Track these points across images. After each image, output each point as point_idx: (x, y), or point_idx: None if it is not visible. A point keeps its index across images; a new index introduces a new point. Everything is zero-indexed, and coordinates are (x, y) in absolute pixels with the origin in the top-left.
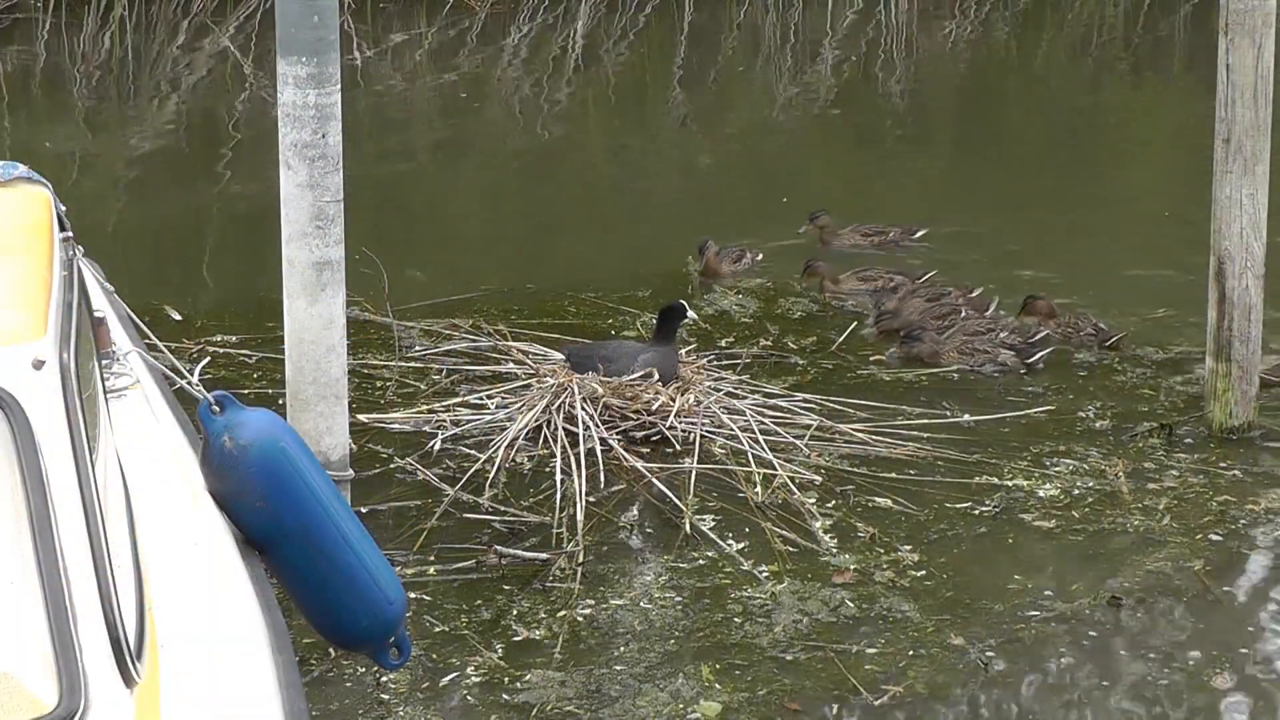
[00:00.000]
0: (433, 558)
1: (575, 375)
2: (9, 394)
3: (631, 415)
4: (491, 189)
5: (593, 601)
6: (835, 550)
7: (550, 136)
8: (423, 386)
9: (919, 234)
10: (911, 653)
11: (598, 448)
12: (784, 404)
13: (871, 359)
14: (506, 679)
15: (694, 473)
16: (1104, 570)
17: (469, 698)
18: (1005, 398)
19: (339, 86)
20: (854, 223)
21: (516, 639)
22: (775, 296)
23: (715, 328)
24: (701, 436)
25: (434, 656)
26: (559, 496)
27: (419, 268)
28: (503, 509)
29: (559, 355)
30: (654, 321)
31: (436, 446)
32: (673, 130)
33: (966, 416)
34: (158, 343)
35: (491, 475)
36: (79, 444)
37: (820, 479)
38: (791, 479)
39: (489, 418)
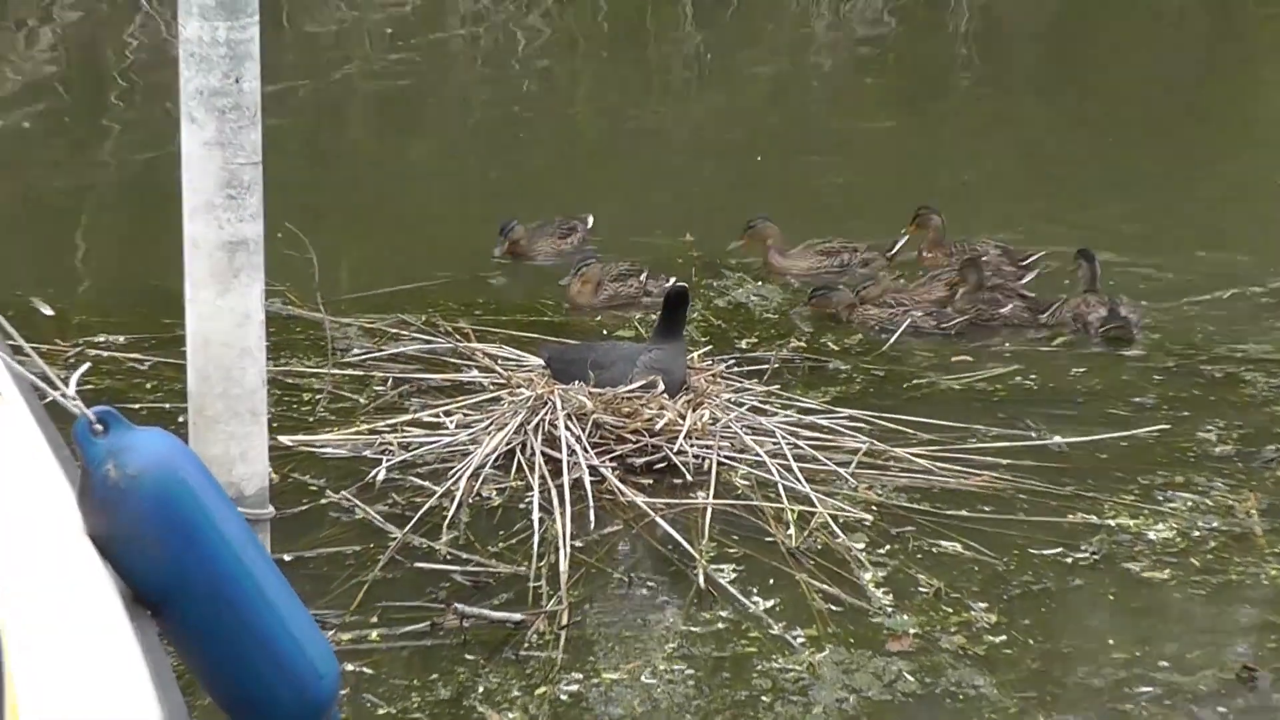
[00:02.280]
0: (375, 619)
1: (557, 385)
2: None
3: (629, 436)
4: (451, 149)
5: (580, 675)
6: (890, 609)
7: (526, 82)
8: (362, 400)
9: (894, 249)
10: None
11: (586, 478)
12: (823, 422)
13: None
14: None
15: (709, 510)
16: (1233, 634)
17: None
18: (1104, 411)
19: (257, 18)
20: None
21: None
22: (805, 284)
23: (732, 324)
24: (718, 464)
25: None
26: (537, 540)
27: (357, 248)
28: (465, 556)
29: (536, 360)
30: (652, 318)
31: (380, 477)
32: (682, 76)
33: (1057, 438)
34: (23, 344)
35: (450, 513)
36: None
37: (871, 518)
38: (834, 518)
39: (447, 440)
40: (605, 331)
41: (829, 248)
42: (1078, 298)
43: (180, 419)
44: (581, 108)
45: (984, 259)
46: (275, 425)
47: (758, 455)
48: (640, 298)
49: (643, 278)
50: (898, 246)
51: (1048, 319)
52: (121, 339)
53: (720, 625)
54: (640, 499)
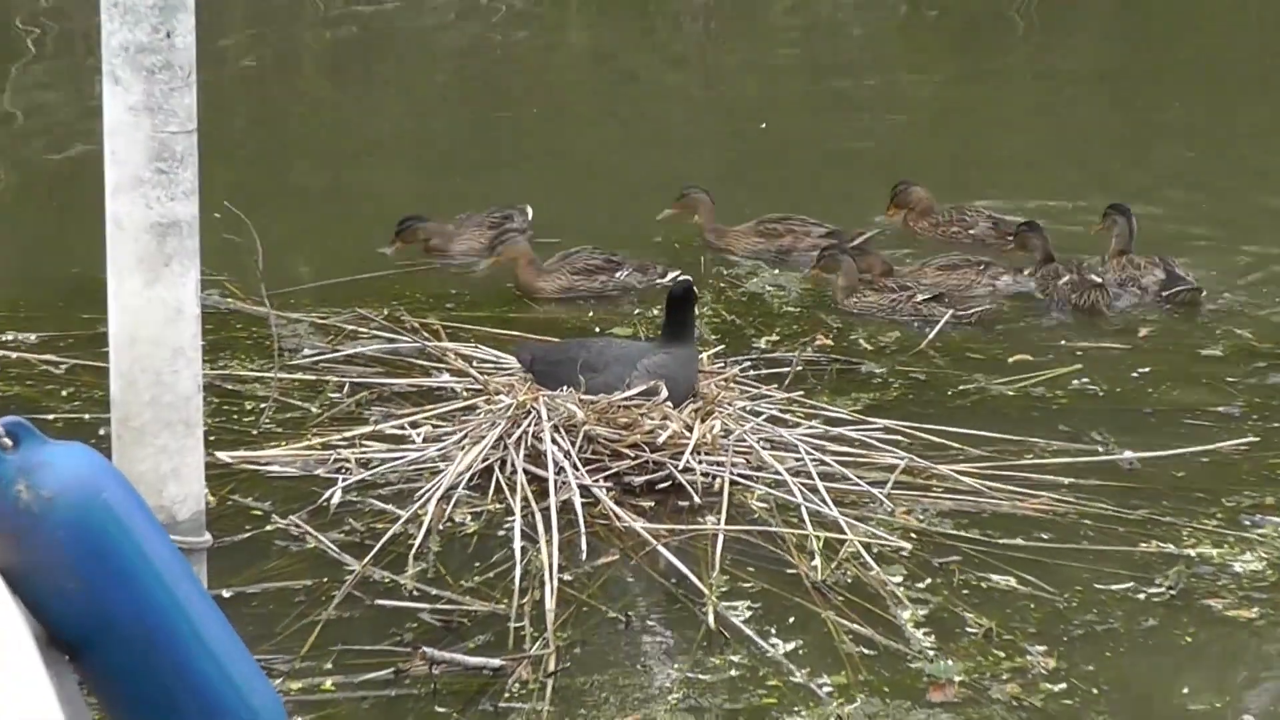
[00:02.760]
0: (330, 665)
1: (542, 391)
2: None
3: (627, 451)
4: (416, 115)
5: None
6: (932, 653)
7: (503, 37)
8: (314, 409)
9: (862, 238)
10: None
11: (577, 499)
12: (854, 434)
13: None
14: None
15: (720, 537)
16: None
17: None
18: (1182, 421)
19: None
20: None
21: None
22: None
23: (748, 320)
24: (731, 483)
25: None
26: (519, 573)
27: (309, 232)
28: (435, 592)
29: (517, 362)
30: (653, 313)
31: (335, 499)
32: (686, 35)
33: (1128, 453)
34: None
35: (418, 542)
36: None
37: (910, 547)
38: (867, 547)
39: (414, 456)
40: (597, 329)
41: (771, 228)
42: (1117, 259)
43: (102, 431)
44: (570, 63)
45: (972, 231)
46: (213, 439)
47: (777, 473)
48: (606, 292)
49: (620, 274)
50: (864, 238)
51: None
52: (33, 337)
53: (733, 672)
54: (640, 524)
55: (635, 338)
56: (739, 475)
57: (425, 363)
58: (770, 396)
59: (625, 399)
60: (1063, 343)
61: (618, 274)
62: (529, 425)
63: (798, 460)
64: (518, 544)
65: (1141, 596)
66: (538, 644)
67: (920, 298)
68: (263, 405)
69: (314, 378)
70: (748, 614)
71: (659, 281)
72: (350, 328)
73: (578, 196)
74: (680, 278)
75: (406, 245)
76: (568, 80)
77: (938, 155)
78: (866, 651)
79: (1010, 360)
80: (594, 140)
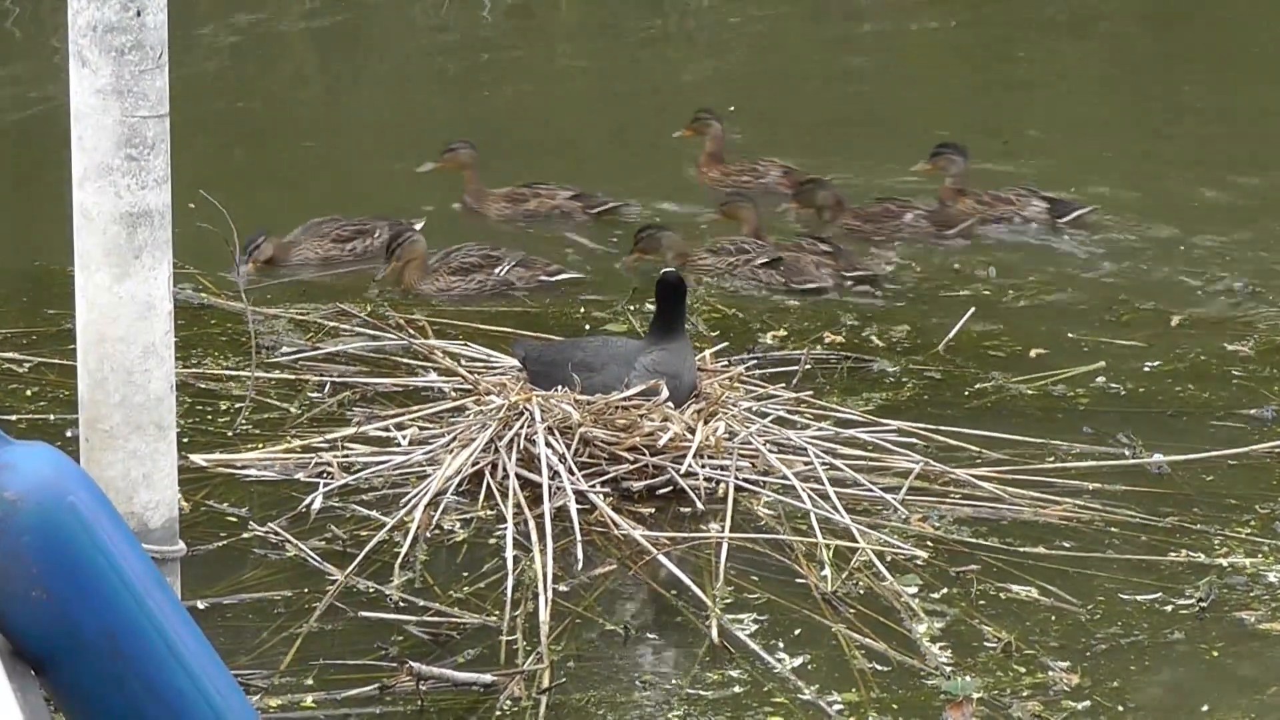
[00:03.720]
0: (311, 680)
1: (536, 391)
2: None
3: (625, 455)
4: (398, 95)
5: None
6: (949, 669)
7: (490, 11)
8: (294, 409)
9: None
10: None
11: (572, 506)
12: (866, 436)
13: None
14: None
15: (725, 546)
16: None
17: None
18: (1213, 424)
19: None
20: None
21: None
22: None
23: (752, 314)
24: (736, 489)
25: None
26: (511, 584)
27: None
28: (422, 604)
29: (510, 360)
30: (648, 307)
31: (316, 505)
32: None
33: (1157, 456)
34: None
35: (404, 551)
36: None
37: (925, 556)
38: (880, 556)
39: (399, 460)
40: (588, 326)
41: (519, 193)
42: (957, 195)
43: (69, 433)
44: (563, 45)
45: (763, 180)
46: (186, 441)
47: (785, 478)
48: (485, 292)
49: (500, 270)
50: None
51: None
52: None
53: (738, 688)
54: (639, 532)
55: (632, 335)
56: (744, 480)
57: (411, 361)
58: (777, 396)
59: (624, 399)
60: (1070, 336)
61: (496, 270)
62: (522, 427)
63: (807, 464)
64: (510, 553)
65: (1169, 609)
66: (531, 659)
67: (759, 262)
68: (239, 406)
69: (293, 377)
70: (753, 627)
71: (543, 279)
72: (331, 324)
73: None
74: (667, 270)
75: (259, 267)
76: (558, 62)
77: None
78: (879, 667)
79: (1030, 354)
80: (593, 123)
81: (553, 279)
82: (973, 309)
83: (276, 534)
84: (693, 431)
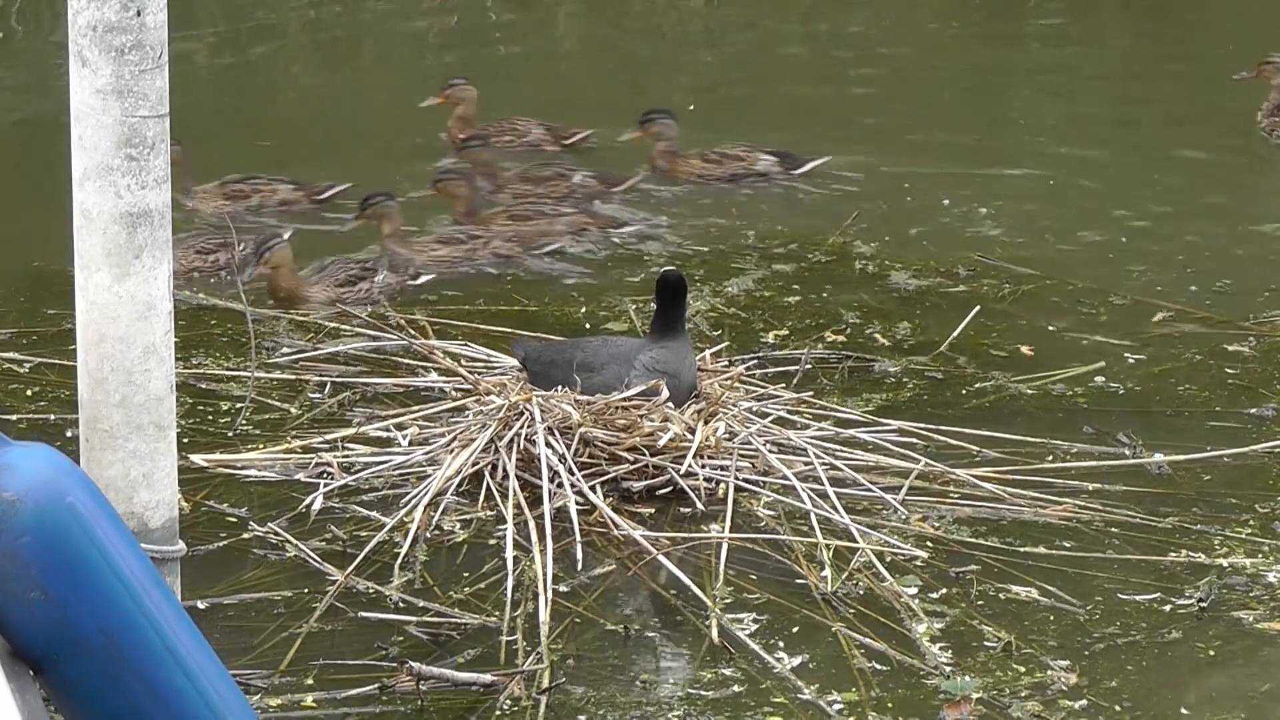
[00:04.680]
0: (311, 680)
1: (536, 392)
2: None
3: (625, 455)
4: (398, 85)
5: None
6: (949, 668)
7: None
8: (294, 410)
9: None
10: None
11: (572, 506)
12: (867, 436)
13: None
14: None
15: (725, 546)
16: None
17: None
18: (1213, 423)
19: None
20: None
21: None
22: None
23: (754, 313)
24: (736, 489)
25: None
26: (511, 585)
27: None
28: (422, 604)
29: (510, 360)
30: (651, 306)
31: (317, 505)
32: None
33: (1158, 456)
34: None
35: (404, 551)
36: None
37: (926, 555)
38: (880, 556)
39: (399, 460)
40: (588, 325)
41: (236, 189)
42: (678, 159)
43: (69, 434)
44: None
45: (526, 139)
46: (187, 441)
47: (785, 478)
48: (373, 299)
49: (378, 278)
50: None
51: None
52: None
53: (737, 688)
54: (639, 533)
55: (632, 334)
56: (744, 480)
57: (411, 361)
58: (778, 397)
59: (624, 399)
60: (1067, 337)
61: (376, 279)
62: (522, 428)
63: (807, 464)
64: (510, 553)
65: (1167, 608)
66: (531, 659)
67: (496, 243)
68: (239, 406)
69: (293, 377)
70: (753, 627)
71: (410, 283)
72: (332, 324)
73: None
74: (668, 268)
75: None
76: (557, 36)
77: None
78: (879, 667)
79: (1025, 352)
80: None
81: (417, 281)
82: (978, 307)
83: (276, 534)
84: (693, 432)
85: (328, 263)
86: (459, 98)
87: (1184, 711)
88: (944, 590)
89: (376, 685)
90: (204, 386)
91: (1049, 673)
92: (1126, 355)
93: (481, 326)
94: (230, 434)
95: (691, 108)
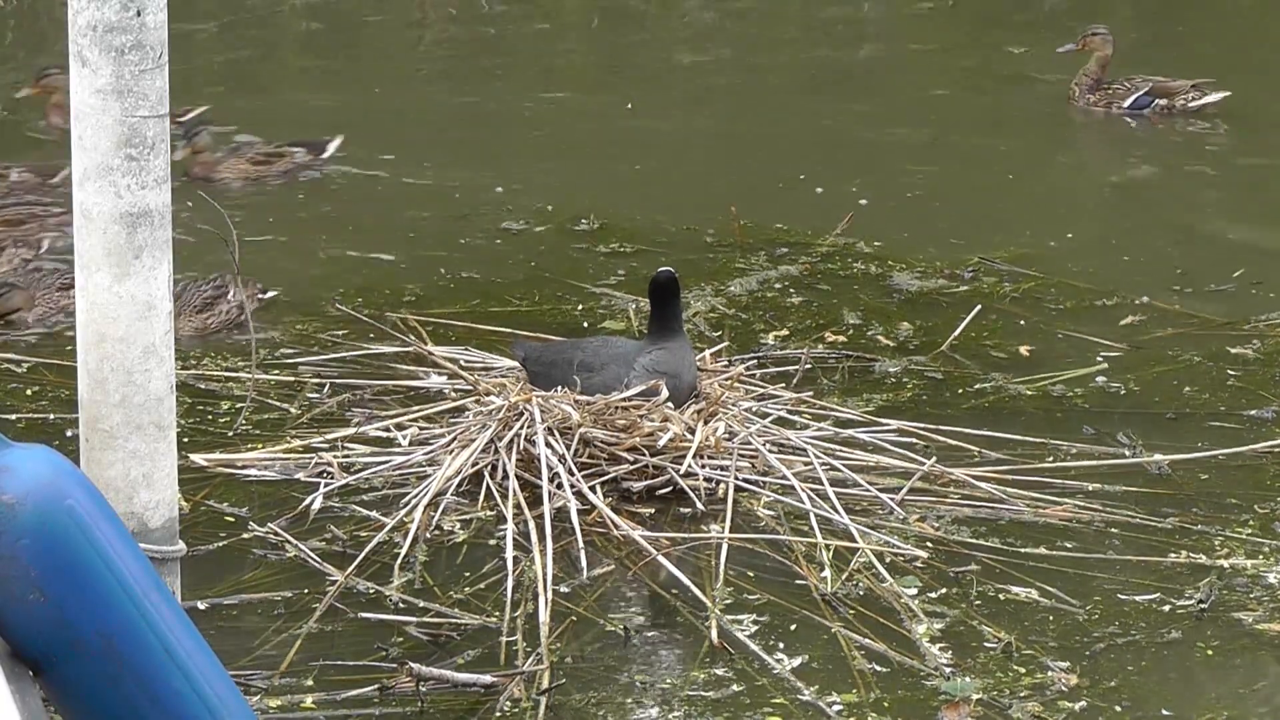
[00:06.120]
0: (311, 681)
1: (536, 392)
2: None
3: (625, 455)
4: (400, 88)
5: None
6: (949, 669)
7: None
8: (293, 410)
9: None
10: None
11: (572, 507)
12: (867, 436)
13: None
14: None
15: (724, 547)
16: None
17: None
18: (1213, 424)
19: None
20: None
21: None
22: (840, 259)
23: (754, 313)
24: (736, 489)
25: None
26: (511, 585)
27: (289, 218)
28: (422, 605)
29: (510, 361)
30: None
31: (316, 505)
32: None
33: (1157, 456)
34: None
35: (404, 552)
36: None
37: (925, 555)
38: (879, 557)
39: (399, 460)
40: (586, 325)
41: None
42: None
43: (69, 434)
44: (567, 34)
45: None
46: (187, 441)
47: (785, 479)
48: (239, 319)
49: (230, 295)
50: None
51: None
52: None
53: (737, 688)
54: (639, 533)
55: (631, 333)
56: (744, 480)
57: (411, 363)
58: (778, 397)
59: (624, 399)
60: (1060, 335)
61: (229, 297)
62: (521, 428)
63: (806, 465)
64: (510, 554)
65: (1167, 609)
66: (531, 659)
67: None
68: (239, 406)
69: (293, 377)
70: (753, 628)
71: (262, 297)
72: (324, 335)
73: (586, 180)
74: (662, 269)
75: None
76: (561, 50)
77: None
78: (879, 668)
79: (1023, 351)
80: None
81: (265, 295)
82: (979, 307)
83: (276, 534)
84: (692, 432)
85: (200, 284)
86: (54, 86)
87: (1184, 712)
88: (943, 591)
89: (377, 686)
90: (204, 386)
91: (1049, 673)
92: (1126, 356)
93: (479, 327)
94: (230, 434)
95: (629, 106)
